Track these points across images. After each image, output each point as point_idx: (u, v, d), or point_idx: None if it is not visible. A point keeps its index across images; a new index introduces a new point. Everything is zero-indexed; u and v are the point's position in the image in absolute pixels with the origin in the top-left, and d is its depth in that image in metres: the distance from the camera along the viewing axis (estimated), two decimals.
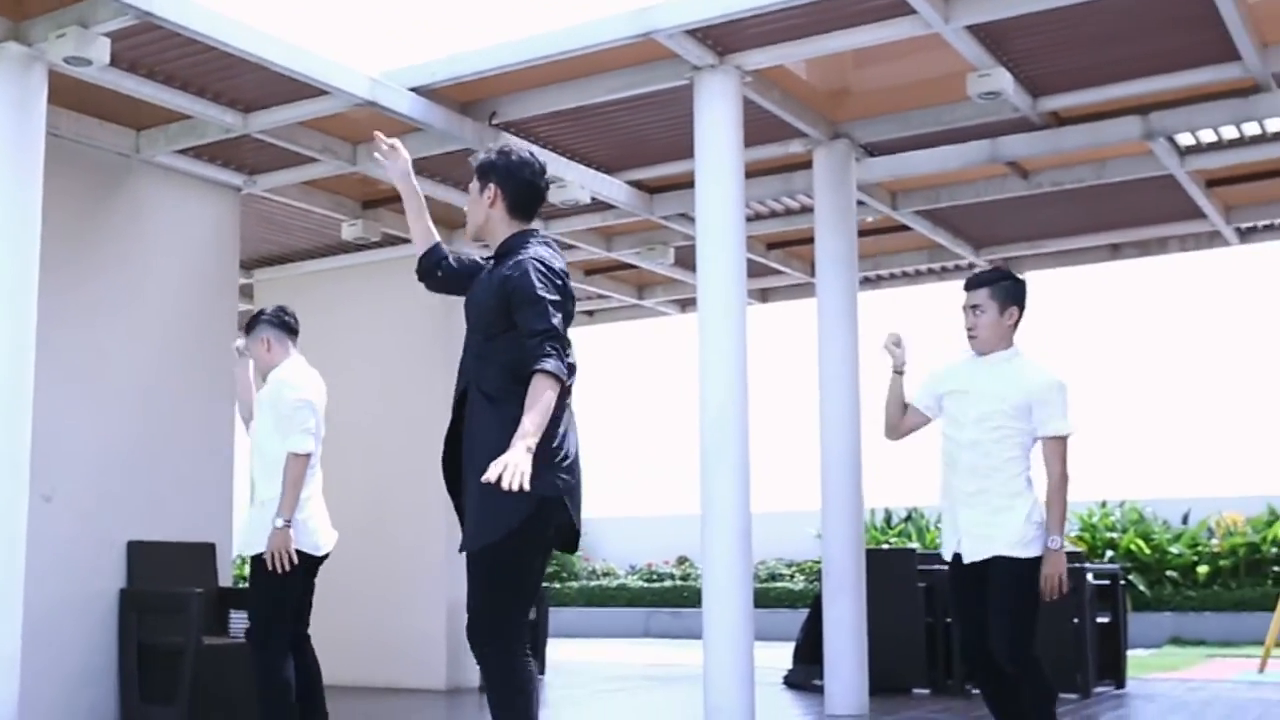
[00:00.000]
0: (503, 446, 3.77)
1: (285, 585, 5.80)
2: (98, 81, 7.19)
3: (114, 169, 8.29)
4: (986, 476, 5.17)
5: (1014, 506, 5.14)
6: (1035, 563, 5.10)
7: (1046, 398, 5.18)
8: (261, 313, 6.33)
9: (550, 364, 3.89)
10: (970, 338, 5.36)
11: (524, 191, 4.27)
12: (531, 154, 4.34)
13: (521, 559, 4.08)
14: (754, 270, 11.75)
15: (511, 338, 4.06)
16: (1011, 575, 5.10)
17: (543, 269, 4.09)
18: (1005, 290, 5.34)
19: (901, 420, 5.52)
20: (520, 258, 4.12)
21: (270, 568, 5.72)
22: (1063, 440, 5.18)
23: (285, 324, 6.38)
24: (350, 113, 8.00)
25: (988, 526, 5.14)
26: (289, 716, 5.74)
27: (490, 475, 3.65)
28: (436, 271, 4.38)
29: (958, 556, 5.24)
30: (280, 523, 5.75)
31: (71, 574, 7.64)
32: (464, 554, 4.08)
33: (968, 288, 5.40)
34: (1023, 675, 5.08)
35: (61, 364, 7.68)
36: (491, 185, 4.23)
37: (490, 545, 3.98)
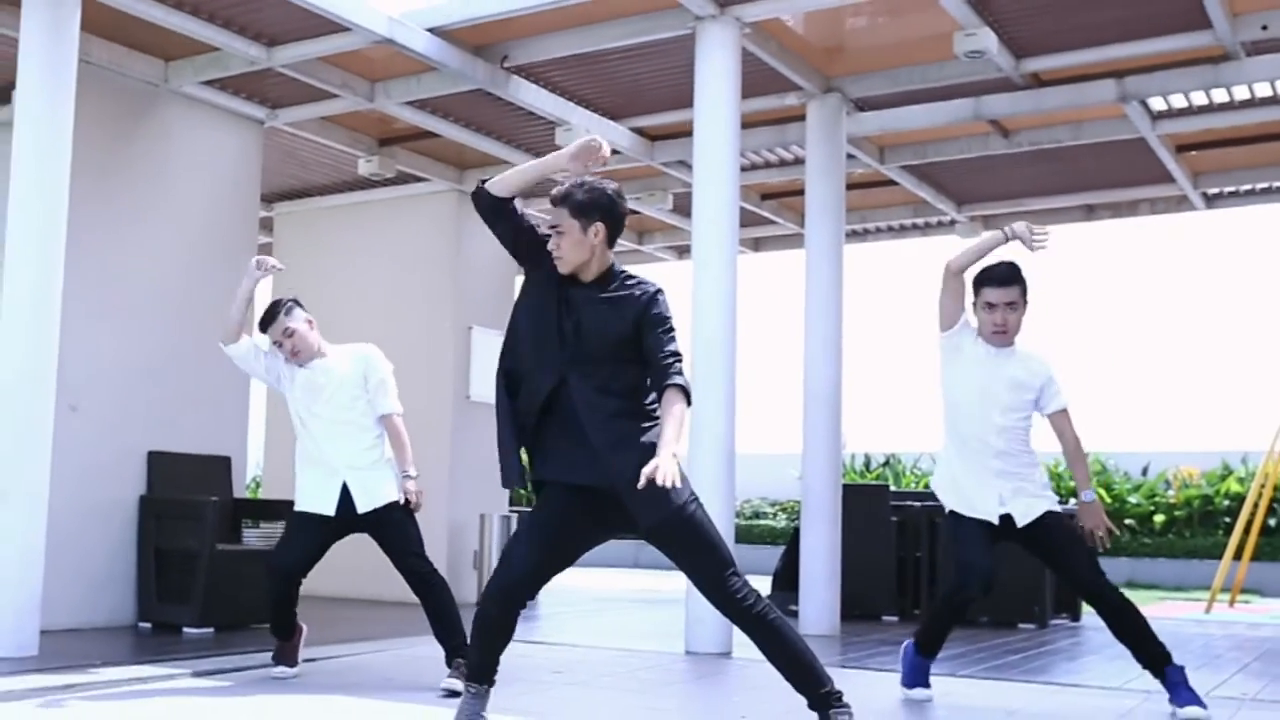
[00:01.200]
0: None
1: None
2: (128, 10, 7.11)
3: (143, 97, 8.21)
4: (1016, 456, 5.33)
5: (1042, 473, 5.45)
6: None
7: (1051, 380, 5.37)
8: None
9: (684, 380, 4.00)
10: (999, 333, 5.31)
11: (620, 224, 4.23)
12: (618, 187, 4.27)
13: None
14: (748, 219, 11.75)
15: (634, 361, 4.10)
16: (1066, 523, 5.39)
17: (665, 298, 4.17)
18: (1027, 287, 5.38)
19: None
20: (643, 286, 4.16)
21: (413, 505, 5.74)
22: (1067, 411, 5.39)
23: None
24: (369, 50, 7.95)
25: (1034, 493, 5.32)
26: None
27: (644, 481, 3.75)
28: (503, 210, 4.22)
29: (1007, 518, 5.30)
30: (414, 472, 5.76)
31: (95, 481, 7.64)
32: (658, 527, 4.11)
33: (1004, 283, 5.31)
34: (1108, 586, 5.26)
35: (88, 283, 7.65)
36: (598, 223, 4.13)
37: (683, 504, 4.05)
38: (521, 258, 4.24)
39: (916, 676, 5.52)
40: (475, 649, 4.18)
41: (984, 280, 5.33)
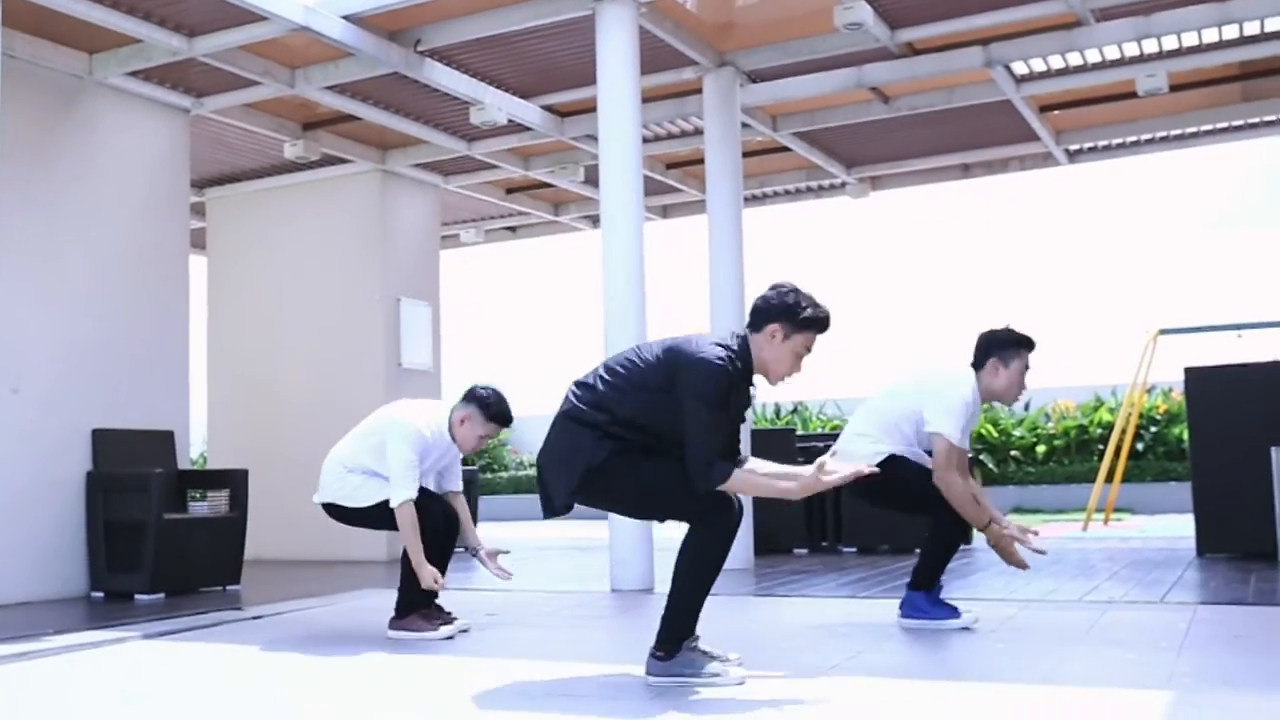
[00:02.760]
0: None
1: None
2: (50, 5, 6.87)
3: (69, 90, 7.94)
4: None
5: None
6: None
7: None
8: None
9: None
10: (1018, 397, 5.36)
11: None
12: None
13: None
14: (654, 188, 11.72)
15: None
16: None
17: None
18: None
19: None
20: None
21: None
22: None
23: None
24: (287, 38, 7.78)
25: None
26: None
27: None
28: None
29: None
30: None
31: (40, 459, 7.42)
32: None
33: (1033, 348, 5.29)
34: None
35: (23, 271, 7.43)
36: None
37: None
38: None
39: (943, 610, 5.27)
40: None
41: (1025, 343, 5.29)
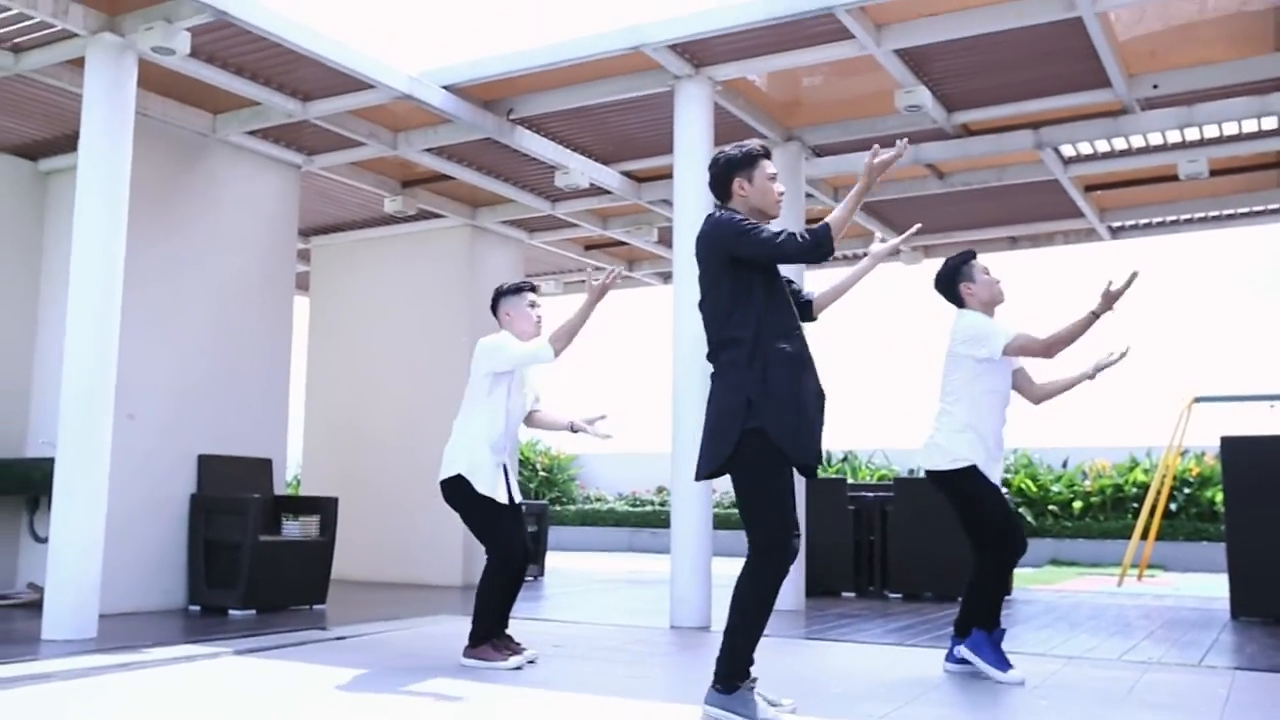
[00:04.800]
0: None
1: None
2: (180, 70, 6.96)
3: (193, 146, 8.05)
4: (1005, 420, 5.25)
5: None
6: None
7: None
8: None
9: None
10: (1003, 294, 5.35)
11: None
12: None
13: None
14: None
15: None
16: None
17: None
18: None
19: None
20: None
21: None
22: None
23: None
24: (392, 104, 7.82)
25: None
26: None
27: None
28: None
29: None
30: None
31: (151, 481, 7.46)
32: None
33: (975, 255, 5.41)
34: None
35: (146, 307, 7.50)
36: None
37: None
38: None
39: (997, 656, 5.02)
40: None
41: (968, 255, 5.35)
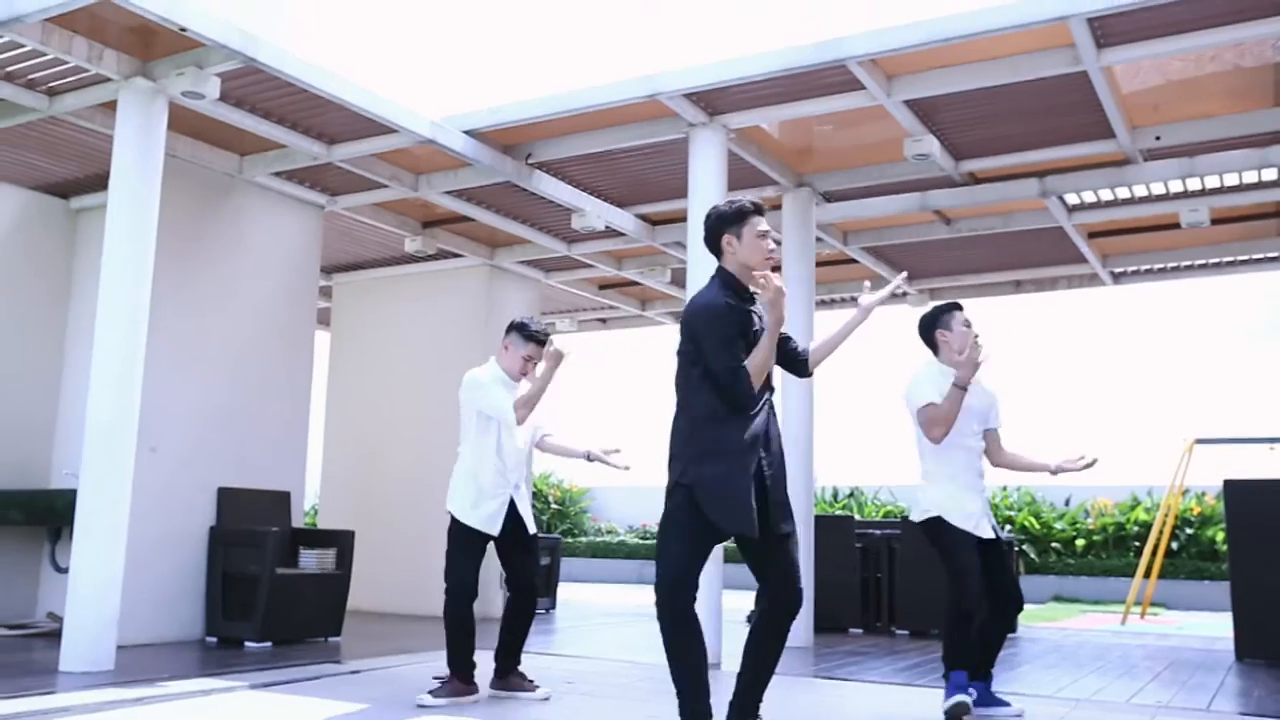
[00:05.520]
0: None
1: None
2: (209, 113, 6.96)
3: (220, 186, 8.05)
4: (981, 476, 5.14)
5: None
6: None
7: (996, 402, 5.29)
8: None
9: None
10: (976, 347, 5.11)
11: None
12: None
13: None
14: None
15: None
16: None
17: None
18: None
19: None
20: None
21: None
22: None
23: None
24: (414, 148, 7.81)
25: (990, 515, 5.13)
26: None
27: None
28: None
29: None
30: None
31: (171, 513, 7.39)
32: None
33: (961, 308, 5.27)
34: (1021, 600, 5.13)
35: (171, 341, 7.47)
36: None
37: None
38: None
39: (987, 698, 5.01)
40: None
41: (954, 308, 5.25)
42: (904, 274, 4.80)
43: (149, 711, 4.64)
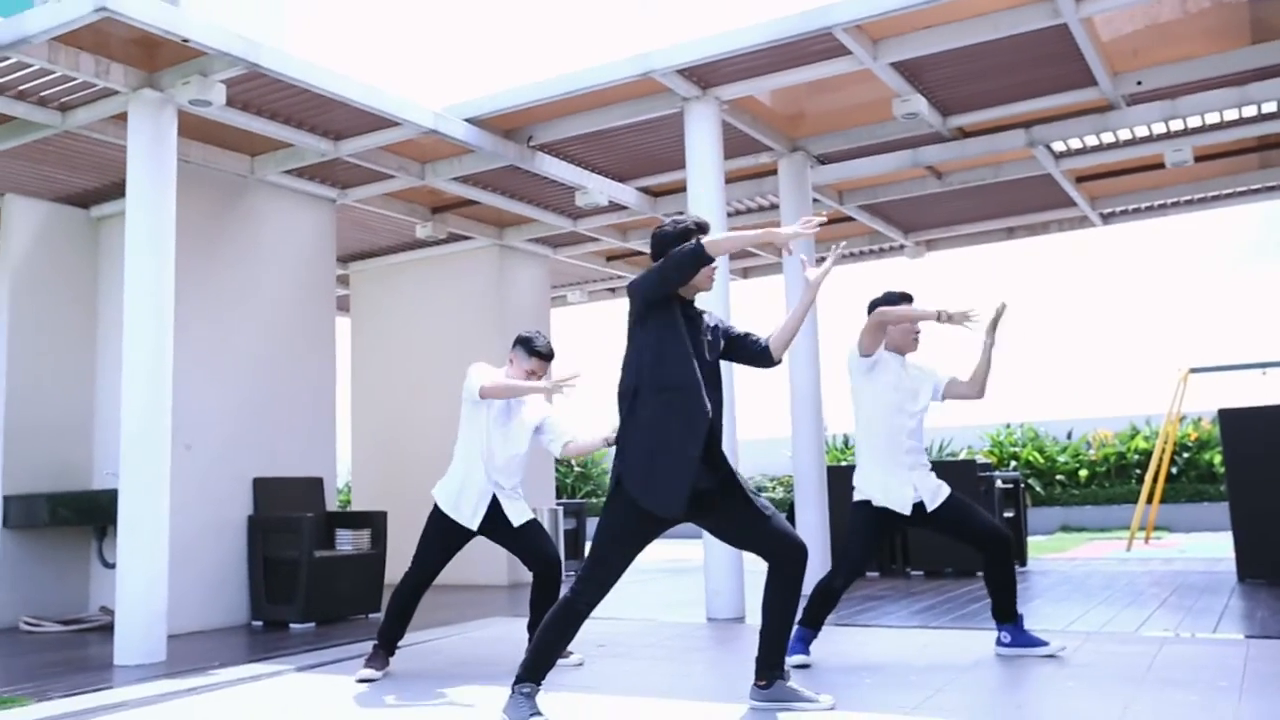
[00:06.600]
0: None
1: None
2: (218, 118, 6.90)
3: (233, 187, 8.01)
4: (919, 450, 5.15)
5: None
6: None
7: (934, 374, 5.27)
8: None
9: None
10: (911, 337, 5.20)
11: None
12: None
13: None
14: (736, 254, 11.52)
15: None
16: (958, 496, 5.13)
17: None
18: None
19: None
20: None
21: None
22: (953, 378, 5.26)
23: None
24: (419, 139, 7.74)
25: (936, 480, 5.13)
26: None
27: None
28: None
29: (920, 505, 5.04)
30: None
31: (210, 505, 7.42)
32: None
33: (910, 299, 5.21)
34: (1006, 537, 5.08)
35: (197, 341, 7.46)
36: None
37: None
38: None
39: (797, 645, 5.01)
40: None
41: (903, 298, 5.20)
42: (843, 243, 4.67)
43: (202, 701, 4.67)
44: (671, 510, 3.79)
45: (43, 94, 6.57)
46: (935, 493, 5.06)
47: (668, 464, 3.77)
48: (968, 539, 5.08)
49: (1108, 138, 8.78)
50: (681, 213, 9.61)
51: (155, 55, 6.21)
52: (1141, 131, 8.62)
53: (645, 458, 3.80)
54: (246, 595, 7.53)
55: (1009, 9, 6.42)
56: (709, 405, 3.85)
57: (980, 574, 9.13)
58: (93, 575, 8.02)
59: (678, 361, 3.85)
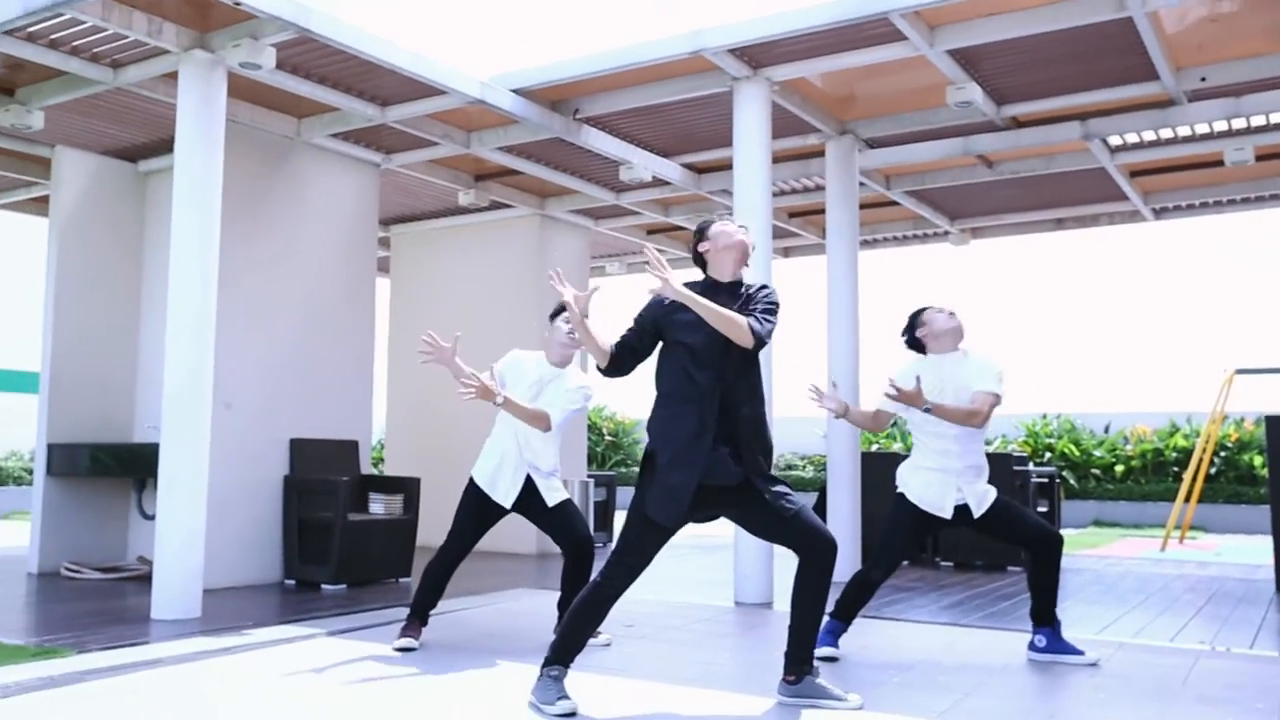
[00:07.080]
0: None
1: None
2: (267, 81, 6.91)
3: (280, 149, 8.03)
4: (975, 453, 5.02)
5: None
6: None
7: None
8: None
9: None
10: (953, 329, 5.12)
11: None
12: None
13: None
14: (778, 233, 11.46)
15: None
16: (1004, 499, 5.09)
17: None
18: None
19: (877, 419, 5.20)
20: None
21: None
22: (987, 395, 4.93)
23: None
24: (465, 108, 7.71)
25: (986, 484, 5.05)
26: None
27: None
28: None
29: (965, 508, 4.97)
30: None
31: (247, 465, 7.51)
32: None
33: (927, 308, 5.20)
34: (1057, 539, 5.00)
35: (240, 301, 7.52)
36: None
37: None
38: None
39: (826, 637, 5.00)
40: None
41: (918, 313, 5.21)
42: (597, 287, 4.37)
43: (235, 660, 4.74)
44: (668, 520, 3.92)
45: (95, 50, 6.60)
46: (982, 498, 4.99)
47: (670, 470, 3.88)
48: (1018, 541, 5.03)
49: (1166, 133, 8.61)
50: (727, 190, 9.61)
51: (207, 16, 6.22)
52: (1202, 128, 8.46)
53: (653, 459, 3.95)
54: (280, 554, 7.62)
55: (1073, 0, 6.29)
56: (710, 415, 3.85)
57: (1010, 569, 9.13)
58: (131, 525, 8.15)
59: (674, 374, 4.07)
